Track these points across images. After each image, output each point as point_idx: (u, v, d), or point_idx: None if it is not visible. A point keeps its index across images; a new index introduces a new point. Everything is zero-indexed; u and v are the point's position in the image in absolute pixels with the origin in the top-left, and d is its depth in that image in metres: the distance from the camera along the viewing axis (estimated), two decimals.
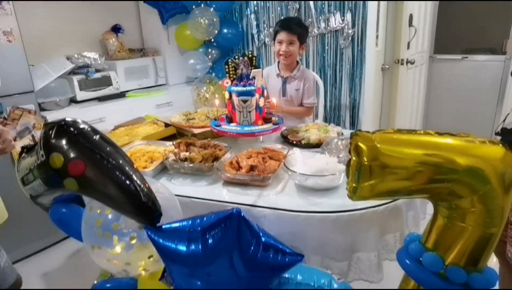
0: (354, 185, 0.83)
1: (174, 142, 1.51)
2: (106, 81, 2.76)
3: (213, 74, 3.06)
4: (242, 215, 0.78)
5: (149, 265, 0.96)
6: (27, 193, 1.04)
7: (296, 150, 1.35)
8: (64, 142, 0.82)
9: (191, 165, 1.34)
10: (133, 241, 0.96)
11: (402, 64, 2.94)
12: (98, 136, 0.85)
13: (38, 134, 2.35)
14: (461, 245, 0.81)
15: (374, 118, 2.91)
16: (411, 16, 2.91)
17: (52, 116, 2.41)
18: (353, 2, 2.45)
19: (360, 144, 0.81)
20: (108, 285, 1.04)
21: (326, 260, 1.09)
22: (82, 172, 0.82)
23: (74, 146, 0.82)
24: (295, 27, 1.95)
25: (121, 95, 2.83)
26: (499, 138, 1.27)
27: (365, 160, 0.80)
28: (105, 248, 0.94)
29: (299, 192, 1.21)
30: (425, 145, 0.81)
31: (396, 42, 3.03)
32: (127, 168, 0.84)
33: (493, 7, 3.56)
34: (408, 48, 2.96)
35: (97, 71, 2.73)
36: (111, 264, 0.94)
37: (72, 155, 0.82)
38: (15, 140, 2.27)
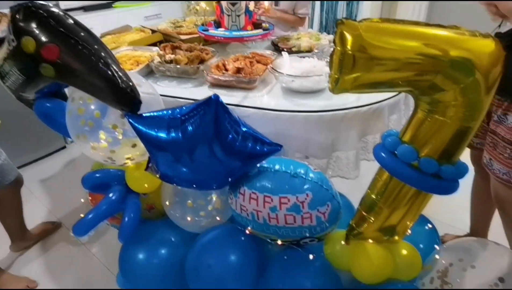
0: (336, 76, 0.82)
1: (159, 45, 1.46)
2: None
3: None
4: (220, 100, 0.78)
5: (133, 154, 0.99)
6: (9, 91, 1.03)
7: (284, 54, 1.32)
8: (34, 25, 0.79)
9: (177, 66, 1.31)
10: (120, 136, 0.97)
11: None
12: (71, 20, 0.82)
13: None
14: (438, 138, 0.82)
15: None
16: None
17: None
18: None
19: (344, 32, 0.78)
20: (97, 175, 1.08)
21: (307, 158, 1.13)
22: (56, 57, 0.80)
23: (45, 29, 0.79)
24: None
25: (108, 5, 2.67)
26: None
27: (349, 49, 0.77)
28: (90, 138, 0.95)
29: (285, 95, 1.20)
30: (412, 35, 0.78)
31: None
32: (103, 54, 0.82)
33: None
34: None
35: None
36: (97, 152, 0.96)
37: (44, 38, 0.79)
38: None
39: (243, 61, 1.30)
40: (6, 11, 2.13)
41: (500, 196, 1.25)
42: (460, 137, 0.81)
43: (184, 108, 0.85)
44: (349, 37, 0.78)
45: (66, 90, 1.11)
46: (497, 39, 0.76)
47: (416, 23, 0.80)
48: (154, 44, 1.70)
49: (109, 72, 0.81)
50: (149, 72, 1.41)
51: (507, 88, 0.91)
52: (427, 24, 0.80)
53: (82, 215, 1.03)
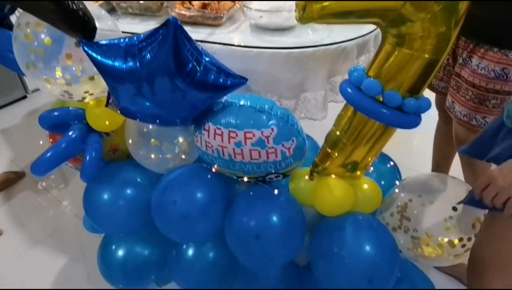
0: (303, 3, 0.79)
1: None
2: None
3: None
4: (179, 23, 0.73)
5: (92, 88, 0.94)
6: None
7: None
8: None
9: (140, 2, 1.23)
10: (79, 74, 0.92)
11: None
12: None
13: None
14: (403, 72, 0.81)
15: None
16: None
17: None
18: None
19: None
20: (55, 113, 1.02)
21: (275, 98, 1.11)
22: None
23: None
24: None
25: None
26: None
27: None
28: (43, 70, 0.89)
29: (254, 32, 1.16)
30: None
31: None
32: None
33: None
34: None
35: None
36: (52, 85, 0.91)
37: None
38: None
39: None
40: None
41: (460, 138, 1.30)
42: (425, 70, 0.81)
43: (142, 35, 0.80)
44: None
45: (12, 19, 1.01)
46: None
47: None
48: None
49: None
50: (110, 9, 1.31)
51: (473, 28, 0.91)
52: None
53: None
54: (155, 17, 1.26)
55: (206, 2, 1.18)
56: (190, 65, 0.79)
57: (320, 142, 1.06)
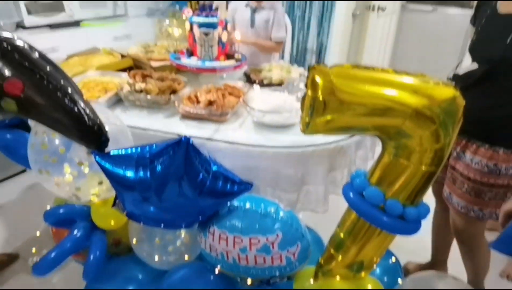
0: (307, 119, 0.84)
1: (129, 72, 1.44)
2: (58, 7, 2.52)
3: (177, 6, 2.87)
4: (191, 142, 0.78)
5: (100, 191, 0.96)
6: None
7: (256, 88, 1.34)
8: None
9: (148, 97, 1.30)
10: (85, 170, 0.94)
11: (373, 10, 2.90)
12: (36, 54, 0.79)
13: None
14: (402, 181, 0.85)
15: (340, 63, 2.90)
16: None
17: None
18: None
19: (316, 77, 0.81)
20: (61, 211, 1.03)
21: (277, 192, 1.14)
22: (20, 92, 0.77)
23: (9, 63, 0.76)
24: None
25: (75, 23, 2.61)
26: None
27: (320, 94, 0.80)
28: (54, 173, 0.91)
29: (256, 129, 1.22)
30: (380, 81, 0.82)
31: None
32: (69, 90, 0.79)
33: None
34: None
35: None
36: (61, 188, 0.92)
37: (7, 73, 0.76)
38: None
39: (215, 93, 1.31)
40: None
41: (458, 228, 1.31)
42: (423, 180, 0.85)
43: (154, 146, 0.83)
44: (320, 82, 0.80)
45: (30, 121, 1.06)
46: (458, 89, 0.82)
47: (385, 71, 0.84)
48: (124, 70, 1.67)
49: (76, 109, 0.78)
50: (117, 100, 1.38)
51: (464, 126, 0.97)
52: (395, 72, 0.84)
53: (45, 251, 0.98)
54: (162, 110, 1.32)
55: (212, 99, 1.26)
56: (201, 175, 0.82)
57: (323, 231, 1.07)
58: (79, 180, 0.94)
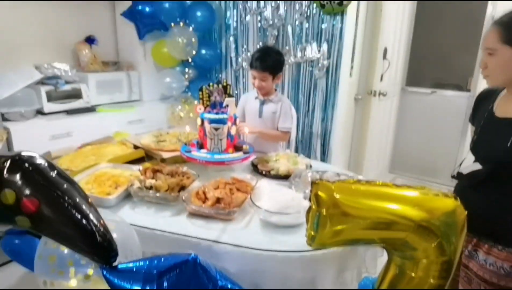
0: (312, 233, 0.85)
1: (140, 168, 1.48)
2: (76, 94, 2.68)
3: (189, 93, 3.05)
4: (198, 261, 0.78)
5: None
6: None
7: (263, 182, 1.36)
8: (18, 177, 0.80)
9: (157, 194, 1.32)
10: (90, 273, 0.92)
11: (374, 95, 3.04)
12: (55, 173, 0.83)
13: None
14: None
15: (344, 147, 2.98)
16: (385, 50, 3.04)
17: (16, 127, 2.32)
18: (330, 33, 2.52)
19: (320, 193, 0.83)
20: None
21: None
22: (35, 210, 0.79)
23: (28, 182, 0.80)
24: (267, 63, 1.96)
25: (91, 109, 2.76)
26: (455, 181, 1.32)
27: (324, 210, 0.82)
28: (58, 285, 0.90)
29: (264, 228, 1.21)
30: (382, 196, 0.84)
31: (370, 74, 3.13)
32: (84, 207, 0.81)
33: (461, 45, 3.77)
34: (381, 80, 3.08)
35: (67, 82, 2.66)
36: None
37: (26, 192, 0.79)
38: None
39: (223, 189, 1.33)
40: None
41: None
42: None
43: (162, 260, 0.83)
44: (323, 198, 0.82)
45: None
46: (457, 199, 0.83)
47: (386, 185, 0.87)
48: (136, 161, 1.73)
49: (89, 227, 0.80)
50: (127, 195, 1.40)
51: (474, 225, 0.96)
52: (395, 186, 0.87)
53: None
54: (170, 207, 1.34)
55: (220, 196, 1.27)
56: None
57: None
58: (84, 284, 0.92)
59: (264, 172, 1.63)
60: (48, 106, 2.55)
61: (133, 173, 1.53)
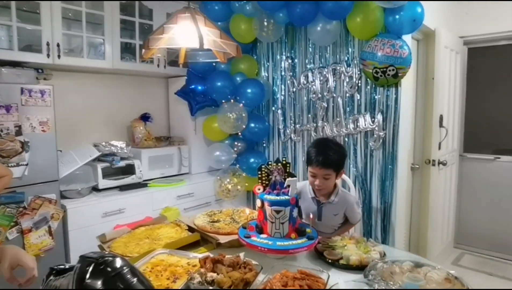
0: None
1: (199, 256, 1.37)
2: (129, 170, 2.74)
3: (237, 165, 3.02)
4: None
5: None
6: None
7: (339, 281, 1.19)
8: (99, 283, 0.74)
9: None
10: None
11: (433, 164, 2.85)
12: (135, 279, 0.76)
13: (55, 225, 2.26)
14: None
15: (405, 222, 2.74)
16: (441, 117, 2.91)
17: (73, 205, 2.35)
18: (384, 104, 2.45)
19: None
20: None
21: None
22: None
23: (109, 289, 0.72)
24: (330, 160, 1.72)
25: (143, 184, 2.78)
26: None
27: None
28: None
29: None
30: None
31: (426, 142, 2.98)
32: None
33: None
34: (439, 148, 2.90)
35: (122, 159, 2.73)
36: None
37: None
38: (30, 230, 2.18)
39: (292, 286, 1.18)
40: (50, 196, 2.21)
41: None
42: None
43: None
44: None
45: None
46: None
47: None
48: (191, 244, 1.63)
49: None
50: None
51: None
52: None
53: None
54: None
55: None
56: None
57: None
58: None
59: (331, 261, 1.46)
60: (102, 183, 2.60)
61: (191, 262, 1.42)
